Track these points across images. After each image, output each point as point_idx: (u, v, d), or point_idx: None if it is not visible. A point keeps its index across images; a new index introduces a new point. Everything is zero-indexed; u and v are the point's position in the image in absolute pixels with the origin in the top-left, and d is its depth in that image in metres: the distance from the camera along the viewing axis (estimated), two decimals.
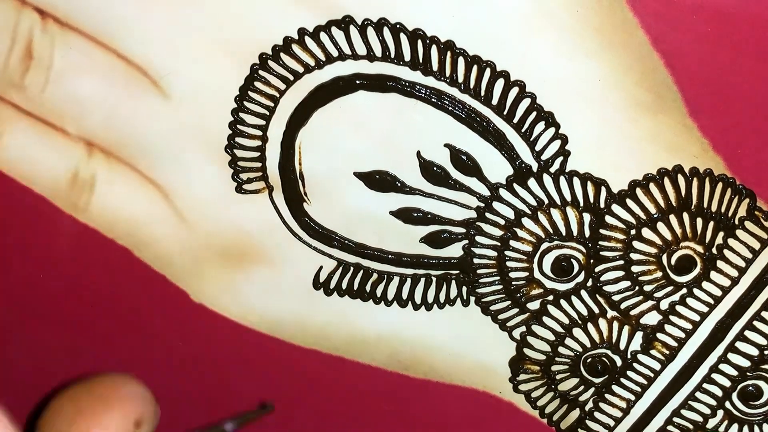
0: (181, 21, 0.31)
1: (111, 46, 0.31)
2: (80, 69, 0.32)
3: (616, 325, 0.32)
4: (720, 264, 0.31)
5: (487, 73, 0.30)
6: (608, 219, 0.31)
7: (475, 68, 0.30)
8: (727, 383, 0.33)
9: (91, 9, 0.31)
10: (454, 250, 0.33)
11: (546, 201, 0.31)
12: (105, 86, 0.32)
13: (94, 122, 0.32)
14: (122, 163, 0.33)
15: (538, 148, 0.31)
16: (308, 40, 0.30)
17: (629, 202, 0.31)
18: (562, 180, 0.31)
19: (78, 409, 0.28)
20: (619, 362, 0.33)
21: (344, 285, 0.34)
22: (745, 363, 0.32)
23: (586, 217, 0.31)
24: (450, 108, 0.31)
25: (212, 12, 0.30)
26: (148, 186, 0.33)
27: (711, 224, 0.31)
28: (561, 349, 0.33)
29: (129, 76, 0.32)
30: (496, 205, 0.32)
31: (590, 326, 0.33)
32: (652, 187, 0.31)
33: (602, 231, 0.31)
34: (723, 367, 0.33)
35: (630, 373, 0.33)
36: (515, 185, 0.31)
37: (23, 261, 0.35)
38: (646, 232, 0.31)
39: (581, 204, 0.31)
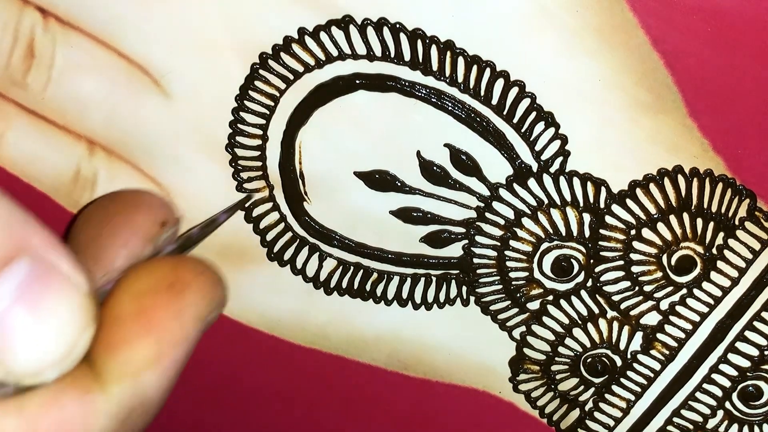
0: (182, 20, 0.31)
1: (112, 45, 0.31)
2: (82, 68, 0.32)
3: (616, 325, 0.32)
4: (720, 264, 0.31)
5: (487, 73, 0.30)
6: (608, 219, 0.31)
7: (474, 68, 0.30)
8: (727, 383, 0.33)
9: (92, 8, 0.31)
10: (454, 250, 0.33)
11: (546, 201, 0.31)
12: (106, 85, 0.32)
13: (95, 120, 0.32)
14: (123, 161, 0.33)
15: (537, 148, 0.31)
16: (308, 40, 0.30)
17: (629, 203, 0.31)
18: (562, 180, 0.31)
19: (106, 213, 0.29)
20: (619, 362, 0.33)
21: (344, 284, 0.34)
22: (745, 363, 0.32)
23: (586, 217, 0.31)
24: (450, 108, 0.31)
25: (212, 11, 0.31)
26: (149, 184, 0.33)
27: (711, 225, 0.31)
28: (561, 349, 0.33)
29: (130, 75, 0.32)
30: (495, 205, 0.32)
31: (590, 326, 0.33)
32: (652, 187, 0.31)
33: (602, 231, 0.31)
34: (723, 367, 0.32)
35: (630, 373, 0.33)
36: (515, 185, 0.31)
37: None
38: (646, 233, 0.31)
39: (581, 204, 0.31)
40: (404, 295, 0.33)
